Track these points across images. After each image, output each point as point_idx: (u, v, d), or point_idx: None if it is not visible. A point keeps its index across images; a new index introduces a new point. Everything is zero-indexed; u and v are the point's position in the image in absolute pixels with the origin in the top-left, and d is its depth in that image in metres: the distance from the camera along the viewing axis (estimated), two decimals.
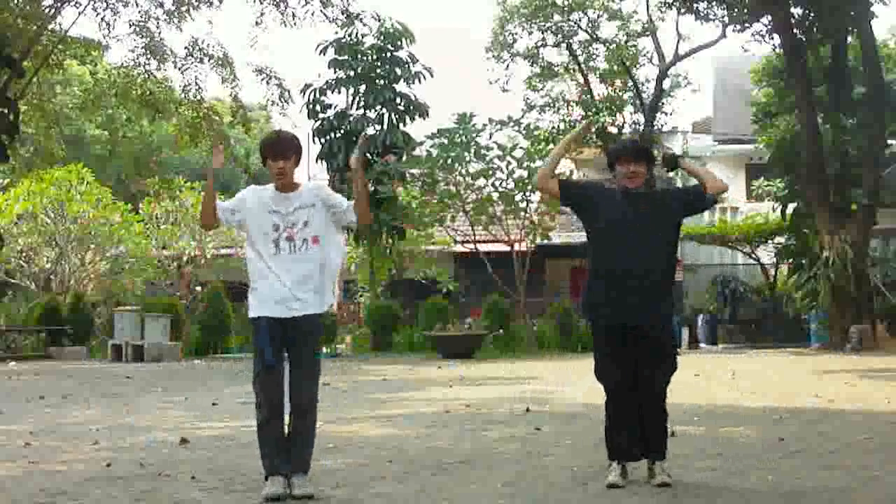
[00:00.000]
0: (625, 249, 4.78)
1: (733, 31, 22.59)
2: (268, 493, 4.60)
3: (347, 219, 4.97)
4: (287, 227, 4.80)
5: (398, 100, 22.04)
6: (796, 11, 20.11)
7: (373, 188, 20.86)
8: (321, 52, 21.99)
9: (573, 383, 10.98)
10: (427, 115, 22.33)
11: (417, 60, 22.17)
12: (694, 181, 5.04)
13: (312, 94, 22.09)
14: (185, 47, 19.24)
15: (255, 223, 4.85)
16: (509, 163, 19.83)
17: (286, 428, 4.77)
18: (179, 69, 19.23)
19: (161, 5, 18.82)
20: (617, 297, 4.80)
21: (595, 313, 4.94)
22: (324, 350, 19.40)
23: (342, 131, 21.82)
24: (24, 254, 23.65)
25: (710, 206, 5.29)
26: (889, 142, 20.56)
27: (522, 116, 21.89)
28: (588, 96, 26.64)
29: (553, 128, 22.24)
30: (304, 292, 4.76)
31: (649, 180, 5.09)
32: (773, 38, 21.03)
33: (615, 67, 26.49)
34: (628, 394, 4.88)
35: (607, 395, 4.96)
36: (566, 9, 25.81)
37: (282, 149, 4.84)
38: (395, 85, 22.07)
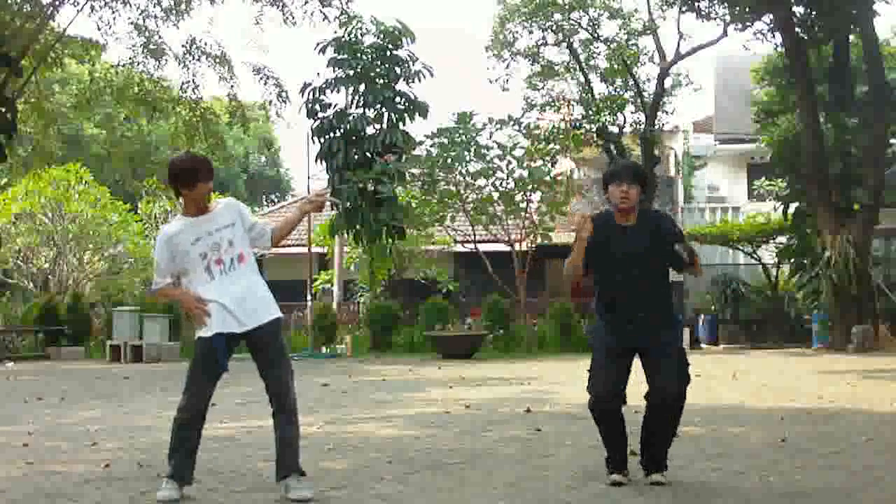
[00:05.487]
0: (625, 283, 4.91)
1: (735, 29, 22.51)
2: (162, 497, 4.59)
3: (262, 244, 4.90)
4: (213, 251, 4.69)
5: (398, 99, 21.93)
6: (798, 10, 20.08)
7: (372, 188, 20.81)
8: (320, 51, 21.89)
9: (573, 383, 10.92)
10: (427, 114, 22.21)
11: (417, 59, 22.07)
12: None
13: (311, 93, 22.00)
14: (183, 45, 19.24)
15: (186, 261, 4.72)
16: (509, 162, 19.80)
17: (200, 438, 4.76)
18: (180, 64, 19.22)
19: (159, 3, 18.80)
20: (620, 325, 4.92)
21: (598, 338, 5.03)
22: (324, 350, 19.38)
23: (341, 130, 21.72)
24: (21, 254, 23.65)
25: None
26: (891, 141, 20.51)
27: (523, 115, 21.80)
28: (588, 95, 26.59)
29: (553, 127, 22.16)
30: (249, 305, 4.68)
31: (643, 202, 5.10)
32: (774, 37, 20.99)
33: (616, 66, 26.42)
34: (614, 405, 4.86)
35: (593, 407, 4.89)
36: (567, 7, 25.75)
37: (205, 173, 4.69)
38: (394, 84, 21.92)
